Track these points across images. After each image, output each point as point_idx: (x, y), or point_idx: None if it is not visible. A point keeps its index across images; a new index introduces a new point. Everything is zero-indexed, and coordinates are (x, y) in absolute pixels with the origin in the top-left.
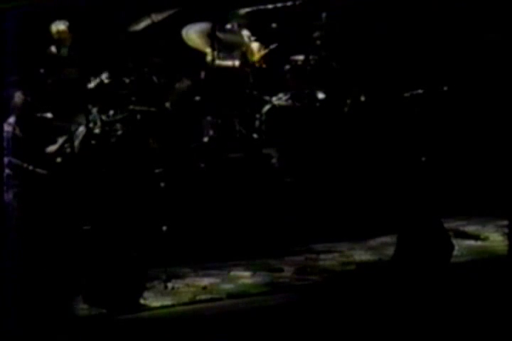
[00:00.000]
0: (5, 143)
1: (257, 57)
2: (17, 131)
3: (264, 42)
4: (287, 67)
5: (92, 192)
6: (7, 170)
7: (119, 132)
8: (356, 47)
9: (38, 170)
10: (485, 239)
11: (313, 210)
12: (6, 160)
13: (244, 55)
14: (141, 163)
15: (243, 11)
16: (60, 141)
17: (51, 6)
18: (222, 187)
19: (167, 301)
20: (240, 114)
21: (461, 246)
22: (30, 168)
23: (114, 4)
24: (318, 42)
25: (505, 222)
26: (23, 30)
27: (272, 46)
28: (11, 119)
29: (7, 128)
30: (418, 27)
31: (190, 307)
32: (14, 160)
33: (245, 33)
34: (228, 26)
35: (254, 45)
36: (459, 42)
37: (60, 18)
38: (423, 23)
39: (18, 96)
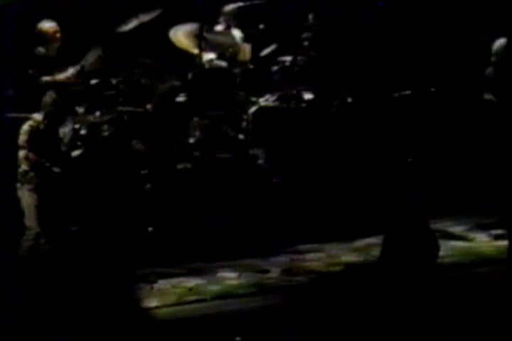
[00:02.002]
0: (24, 138)
1: (247, 58)
2: (41, 127)
3: (253, 43)
4: (275, 68)
5: (78, 192)
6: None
7: (106, 133)
8: (344, 48)
9: (54, 168)
10: (471, 240)
11: (299, 211)
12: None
13: (233, 56)
14: (127, 164)
15: (232, 11)
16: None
17: (45, 3)
18: (209, 187)
19: (154, 302)
20: (227, 115)
21: (447, 247)
22: (47, 164)
23: (103, 4)
24: (306, 43)
25: (492, 223)
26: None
27: (270, 49)
28: (38, 115)
29: (32, 123)
30: (407, 27)
31: (177, 308)
32: (32, 156)
33: (236, 33)
34: (218, 27)
35: (245, 46)
36: (448, 43)
37: (51, 17)
38: (412, 23)
39: (49, 95)
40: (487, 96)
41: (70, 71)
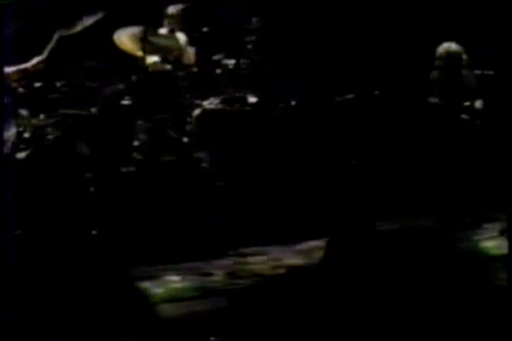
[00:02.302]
0: None
1: (191, 61)
2: None
3: (197, 46)
4: (219, 70)
5: (22, 195)
6: None
7: (51, 136)
8: (288, 52)
9: None
10: None
11: (242, 214)
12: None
13: (178, 59)
14: (72, 167)
15: (176, 14)
16: None
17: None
18: (154, 190)
19: None
20: (172, 118)
21: None
22: None
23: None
24: (249, 46)
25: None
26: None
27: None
28: None
29: None
30: (350, 31)
31: None
32: None
33: (181, 36)
34: (162, 30)
35: (189, 49)
36: (391, 47)
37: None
38: (355, 26)
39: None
40: (432, 100)
41: (34, 60)
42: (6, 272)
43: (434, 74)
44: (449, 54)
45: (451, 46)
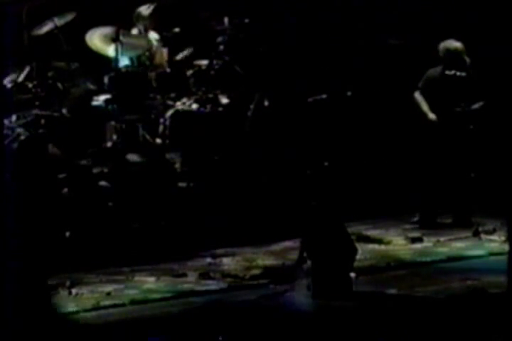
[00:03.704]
0: None
1: (162, 61)
2: None
3: (168, 47)
4: (191, 71)
5: None
6: None
7: (22, 137)
8: (260, 52)
9: None
10: (388, 243)
11: (215, 215)
12: None
13: (149, 59)
14: (44, 168)
15: (148, 14)
16: None
17: None
18: (125, 192)
19: (71, 307)
20: (144, 119)
21: (364, 250)
22: None
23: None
24: (221, 47)
25: (407, 226)
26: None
27: (187, 52)
28: None
29: None
30: (322, 32)
31: (94, 313)
32: None
33: (153, 36)
34: (134, 30)
35: (161, 49)
36: (362, 47)
37: None
38: (327, 27)
39: None
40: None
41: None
42: None
43: (417, 94)
44: (450, 51)
45: (452, 44)
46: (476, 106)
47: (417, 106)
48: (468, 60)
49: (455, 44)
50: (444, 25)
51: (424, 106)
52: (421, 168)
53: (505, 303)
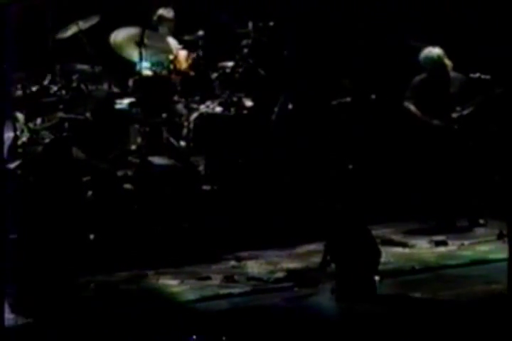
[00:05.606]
0: None
1: (184, 65)
2: None
3: (191, 50)
4: (215, 74)
5: (19, 200)
6: None
7: (47, 140)
8: (283, 56)
9: None
10: (412, 246)
11: (239, 218)
12: None
13: (173, 63)
14: (68, 171)
15: (171, 16)
16: None
17: None
18: (149, 195)
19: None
20: (168, 122)
21: (388, 254)
22: None
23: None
24: (245, 50)
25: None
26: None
27: (196, 53)
28: None
29: None
30: (345, 35)
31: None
32: None
33: (171, 40)
34: (156, 33)
35: (182, 53)
36: (386, 51)
37: None
38: (349, 31)
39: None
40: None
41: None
42: None
43: (417, 79)
44: (433, 59)
45: (432, 51)
46: (466, 111)
47: (413, 115)
48: (450, 63)
49: (434, 51)
50: (447, 26)
51: (422, 115)
52: (442, 171)
53: None
